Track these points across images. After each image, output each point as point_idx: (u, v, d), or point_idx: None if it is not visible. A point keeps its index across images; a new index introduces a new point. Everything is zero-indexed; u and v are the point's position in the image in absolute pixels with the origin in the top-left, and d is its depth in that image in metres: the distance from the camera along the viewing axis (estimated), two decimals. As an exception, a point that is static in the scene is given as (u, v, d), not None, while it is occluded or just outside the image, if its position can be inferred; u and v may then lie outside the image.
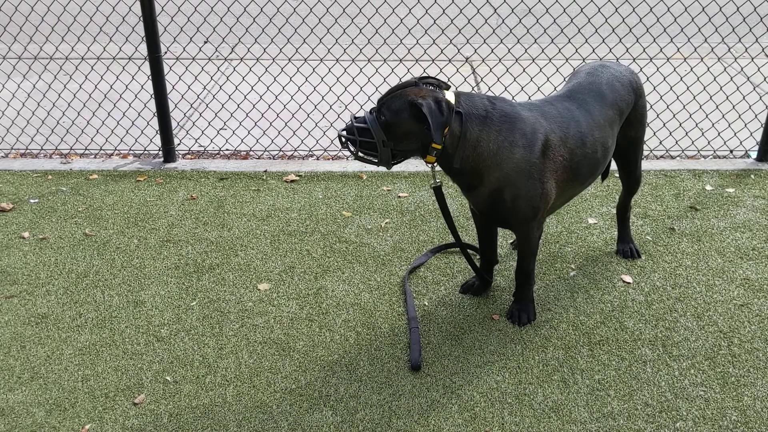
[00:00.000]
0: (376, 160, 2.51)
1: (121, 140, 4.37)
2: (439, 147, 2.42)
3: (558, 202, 2.67)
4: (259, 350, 2.66)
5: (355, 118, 2.51)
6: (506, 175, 2.47)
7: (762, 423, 2.32)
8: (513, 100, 2.60)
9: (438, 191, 2.71)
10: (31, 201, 3.73)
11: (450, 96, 2.44)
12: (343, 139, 2.52)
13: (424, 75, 2.58)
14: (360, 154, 2.51)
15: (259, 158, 4.23)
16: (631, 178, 3.07)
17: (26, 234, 3.42)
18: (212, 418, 2.37)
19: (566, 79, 2.96)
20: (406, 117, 2.41)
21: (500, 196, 2.51)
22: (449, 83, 2.57)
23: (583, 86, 2.74)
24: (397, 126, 2.43)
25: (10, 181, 3.94)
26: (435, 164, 2.56)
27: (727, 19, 4.23)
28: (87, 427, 2.35)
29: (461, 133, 2.43)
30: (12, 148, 4.35)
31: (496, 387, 2.48)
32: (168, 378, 2.54)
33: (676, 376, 2.51)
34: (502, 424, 2.33)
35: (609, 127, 2.71)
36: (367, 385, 2.49)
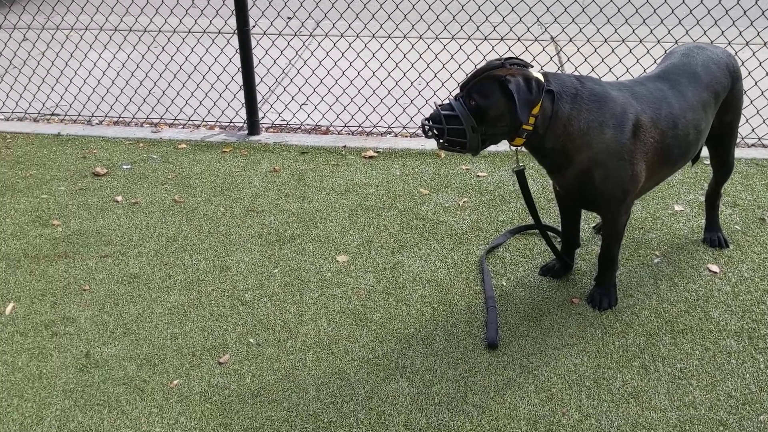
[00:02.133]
0: (462, 148, 2.43)
1: (209, 112, 4.50)
2: (531, 128, 2.39)
3: (646, 186, 2.61)
4: (338, 319, 2.73)
5: (440, 105, 2.45)
6: (596, 155, 2.43)
7: None
8: (601, 80, 2.54)
9: (521, 175, 2.69)
10: (124, 167, 3.90)
11: (538, 75, 2.41)
12: (427, 128, 2.44)
13: (509, 56, 2.53)
14: (446, 143, 2.43)
15: (338, 134, 4.29)
16: (724, 166, 2.96)
17: (119, 198, 3.58)
18: (293, 381, 2.45)
19: (659, 61, 2.88)
20: (498, 98, 2.35)
21: (589, 177, 2.47)
22: (532, 64, 2.50)
23: (677, 67, 2.66)
24: (489, 108, 2.37)
25: (105, 147, 4.13)
26: (520, 147, 2.53)
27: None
28: (175, 382, 2.47)
29: (553, 113, 2.40)
30: (106, 116, 4.55)
31: (574, 369, 2.46)
32: (251, 340, 2.64)
33: (762, 368, 2.44)
34: (580, 407, 2.32)
35: (703, 110, 2.62)
36: (443, 360, 2.52)
